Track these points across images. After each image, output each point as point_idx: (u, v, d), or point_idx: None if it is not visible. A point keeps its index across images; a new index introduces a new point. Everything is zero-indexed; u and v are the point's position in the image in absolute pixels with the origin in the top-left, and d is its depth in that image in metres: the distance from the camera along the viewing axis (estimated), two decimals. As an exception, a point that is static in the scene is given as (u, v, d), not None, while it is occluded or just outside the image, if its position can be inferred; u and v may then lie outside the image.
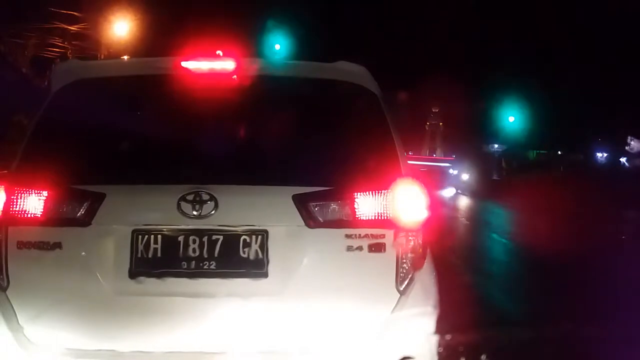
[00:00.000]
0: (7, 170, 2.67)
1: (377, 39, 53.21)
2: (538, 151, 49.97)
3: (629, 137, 41.90)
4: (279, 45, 26.44)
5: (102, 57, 26.34)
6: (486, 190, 26.00)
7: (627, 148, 42.20)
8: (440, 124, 51.19)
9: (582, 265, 8.74)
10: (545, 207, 17.17)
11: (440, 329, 2.71)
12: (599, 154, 46.77)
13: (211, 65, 2.82)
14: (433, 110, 50.90)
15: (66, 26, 23.57)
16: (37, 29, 22.59)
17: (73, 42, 24.77)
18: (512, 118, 40.80)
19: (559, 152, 47.16)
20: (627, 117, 34.34)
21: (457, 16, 45.88)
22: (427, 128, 51.70)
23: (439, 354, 2.74)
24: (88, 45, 25.41)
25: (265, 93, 2.85)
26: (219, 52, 2.94)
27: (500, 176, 37.39)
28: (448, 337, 3.40)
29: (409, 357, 2.59)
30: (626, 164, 39.17)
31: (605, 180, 27.26)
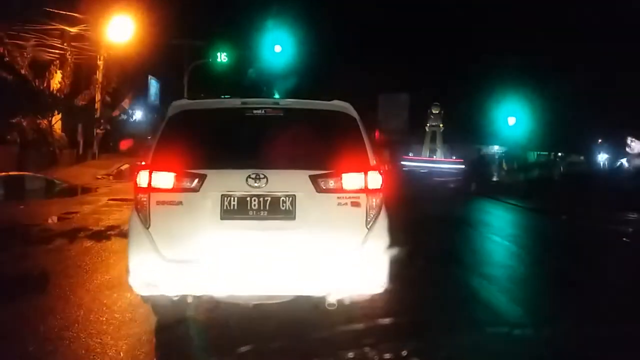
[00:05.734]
0: (146, 162, 4.62)
1: (378, 40, 53.27)
2: (539, 153, 49.94)
3: (629, 138, 41.91)
4: (279, 47, 26.50)
5: (102, 58, 26.37)
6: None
7: (627, 149, 42.19)
8: (441, 125, 51.11)
9: (583, 266, 8.74)
10: (546, 207, 17.18)
11: (441, 328, 2.71)
12: (599, 155, 46.75)
13: (262, 102, 4.98)
14: (433, 112, 50.79)
15: (66, 27, 23.56)
16: (37, 30, 22.56)
17: (72, 44, 24.74)
18: (512, 120, 40.71)
19: (560, 154, 47.10)
20: (627, 118, 34.35)
21: (457, 16, 45.89)
22: (427, 130, 51.62)
23: (439, 354, 2.76)
24: (87, 47, 25.36)
25: (293, 117, 4.91)
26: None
27: (500, 177, 37.23)
28: (447, 337, 3.40)
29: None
30: (626, 164, 39.13)
31: (606, 181, 27.24)
